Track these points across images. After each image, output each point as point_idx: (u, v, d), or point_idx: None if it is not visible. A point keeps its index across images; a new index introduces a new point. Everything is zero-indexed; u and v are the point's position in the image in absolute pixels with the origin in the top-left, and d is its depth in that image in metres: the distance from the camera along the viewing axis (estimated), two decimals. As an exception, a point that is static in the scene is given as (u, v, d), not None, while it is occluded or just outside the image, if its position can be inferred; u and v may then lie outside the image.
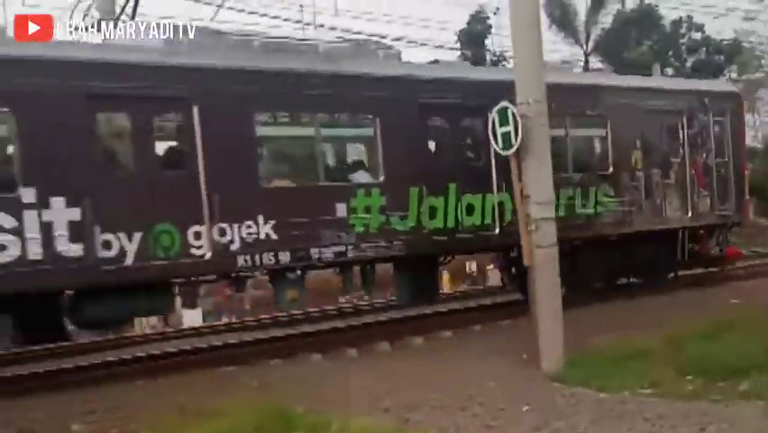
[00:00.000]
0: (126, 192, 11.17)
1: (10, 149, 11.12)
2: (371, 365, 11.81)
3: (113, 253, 11.03)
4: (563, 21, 38.25)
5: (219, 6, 21.75)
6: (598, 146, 17.10)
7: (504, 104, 11.04)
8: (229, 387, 10.31)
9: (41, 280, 10.49)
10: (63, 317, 11.89)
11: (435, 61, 16.80)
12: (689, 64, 39.06)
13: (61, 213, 10.65)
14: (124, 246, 11.11)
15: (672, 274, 18.35)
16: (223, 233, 11.90)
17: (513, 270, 16.68)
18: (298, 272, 13.13)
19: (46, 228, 10.53)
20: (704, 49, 39.87)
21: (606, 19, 39.24)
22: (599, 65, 37.14)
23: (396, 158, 13.61)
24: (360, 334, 14.66)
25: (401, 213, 13.62)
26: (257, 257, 12.23)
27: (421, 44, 29.88)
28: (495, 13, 35.16)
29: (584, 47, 38.75)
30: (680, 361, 10.04)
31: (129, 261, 11.15)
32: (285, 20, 23.47)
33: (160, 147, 12.31)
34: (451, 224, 14.16)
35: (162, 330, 17.38)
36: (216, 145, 11.84)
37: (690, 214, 17.82)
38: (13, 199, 10.39)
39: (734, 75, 39.51)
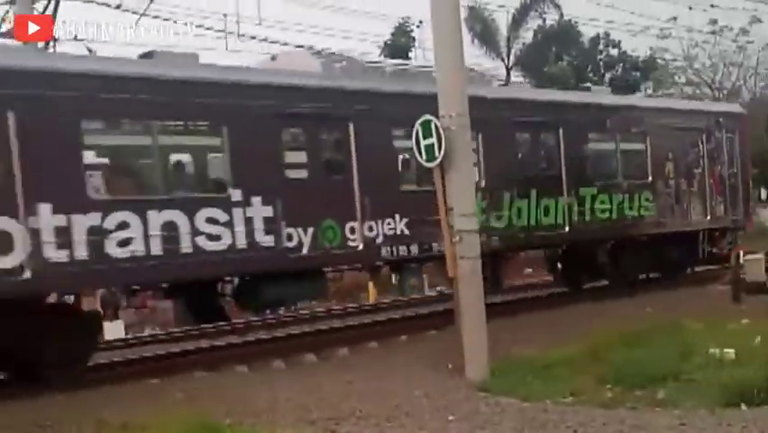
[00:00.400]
0: (303, 194, 13.33)
1: (223, 158, 13.11)
2: (298, 377, 11.81)
3: (293, 243, 13.33)
4: (485, 36, 38.84)
5: (141, 14, 21.51)
6: (640, 158, 19.48)
7: (427, 117, 11.16)
8: (154, 400, 10.20)
9: (245, 265, 12.89)
10: (221, 302, 14.10)
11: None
12: (606, 79, 40.04)
13: (259, 210, 12.92)
14: (301, 238, 13.41)
15: (689, 270, 20.92)
16: (371, 228, 14.27)
17: (559, 265, 20.04)
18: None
19: (248, 222, 12.78)
20: (621, 65, 40.95)
21: (527, 34, 40.02)
22: (521, 79, 37.78)
23: (493, 167, 15.97)
24: (286, 345, 14.68)
25: (497, 213, 16.04)
26: (395, 249, 14.64)
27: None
28: (418, 27, 35.53)
29: (506, 61, 39.40)
30: (600, 370, 10.30)
31: (305, 250, 13.46)
32: (207, 29, 23.21)
33: (326, 157, 14.47)
34: (533, 222, 16.72)
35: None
36: (366, 156, 14.22)
37: (709, 218, 20.61)
38: (225, 198, 12.61)
39: (649, 90, 40.63)
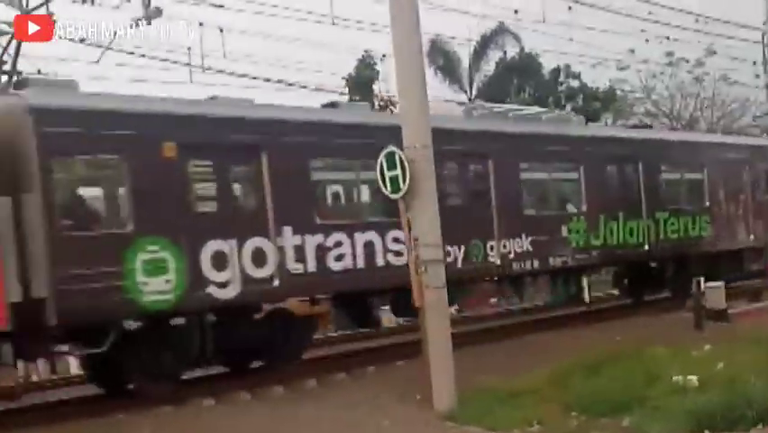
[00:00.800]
0: (457, 217, 15.21)
1: None
2: (266, 409, 11.78)
3: (451, 258, 15.19)
4: (447, 68, 39.23)
5: (106, 48, 21.47)
6: (699, 186, 22.41)
7: (391, 148, 11.28)
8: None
9: None
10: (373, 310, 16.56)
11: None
12: (567, 110, 40.54)
13: None
14: (456, 254, 15.84)
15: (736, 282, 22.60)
16: (505, 246, 16.91)
17: (626, 281, 22.69)
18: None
19: None
20: (581, 96, 41.49)
21: (488, 66, 40.46)
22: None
23: (591, 195, 18.95)
24: (252, 378, 14.57)
25: (595, 234, 18.79)
26: (522, 263, 17.29)
27: (315, 89, 30.13)
28: (382, 60, 35.76)
29: (468, 93, 39.80)
30: (565, 397, 10.39)
31: (459, 264, 15.87)
32: (174, 62, 23.17)
33: (472, 187, 17.37)
34: (621, 241, 19.45)
35: (50, 378, 16.82)
36: (501, 186, 17.06)
37: (752, 237, 23.58)
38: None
39: (609, 121, 41.20)
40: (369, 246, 14.76)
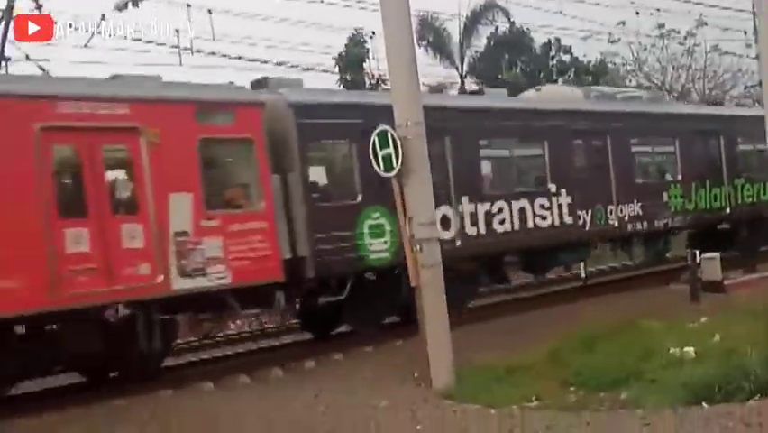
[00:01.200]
0: (585, 186, 18.78)
1: (544, 162, 18.53)
2: (264, 391, 11.81)
3: (581, 222, 18.60)
4: (437, 45, 39.03)
5: (93, 33, 21.30)
6: (754, 157, 24.05)
7: (383, 127, 11.22)
8: (121, 421, 10.14)
9: (557, 237, 18.29)
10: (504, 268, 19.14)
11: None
12: (559, 84, 40.43)
13: (565, 199, 18.32)
14: (585, 218, 18.73)
15: None
16: (621, 210, 19.61)
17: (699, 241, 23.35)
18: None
19: (559, 207, 18.19)
20: (573, 70, 41.38)
21: (479, 42, 40.29)
22: (475, 87, 38.04)
23: (685, 165, 21.54)
24: (252, 360, 14.63)
25: (688, 199, 21.50)
26: (634, 225, 20.03)
27: (306, 69, 30.00)
28: (371, 38, 35.59)
29: (459, 69, 39.64)
30: (563, 373, 10.42)
31: (587, 227, 18.79)
32: (159, 44, 22.96)
33: (595, 160, 19.77)
34: (707, 206, 22.12)
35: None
36: (617, 158, 19.78)
37: None
38: (547, 191, 18.06)
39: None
40: (522, 212, 17.56)
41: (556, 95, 21.38)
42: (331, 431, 9.06)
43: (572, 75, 40.76)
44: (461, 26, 38.92)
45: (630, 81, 43.29)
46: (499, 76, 37.74)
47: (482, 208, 16.86)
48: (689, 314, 13.54)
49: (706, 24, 39.03)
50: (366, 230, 14.87)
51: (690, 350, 10.21)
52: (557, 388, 9.95)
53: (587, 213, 18.79)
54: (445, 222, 15.83)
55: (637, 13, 35.24)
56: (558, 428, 8.25)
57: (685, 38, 41.30)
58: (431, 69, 35.86)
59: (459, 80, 38.98)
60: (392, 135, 11.01)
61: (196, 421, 9.80)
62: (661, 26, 40.21)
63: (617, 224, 19.57)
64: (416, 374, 11.39)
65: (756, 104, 38.83)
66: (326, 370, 13.33)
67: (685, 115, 23.28)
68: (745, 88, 43.03)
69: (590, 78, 40.65)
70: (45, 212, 11.38)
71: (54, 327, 12.36)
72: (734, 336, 10.39)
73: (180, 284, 12.37)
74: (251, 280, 13.10)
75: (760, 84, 20.58)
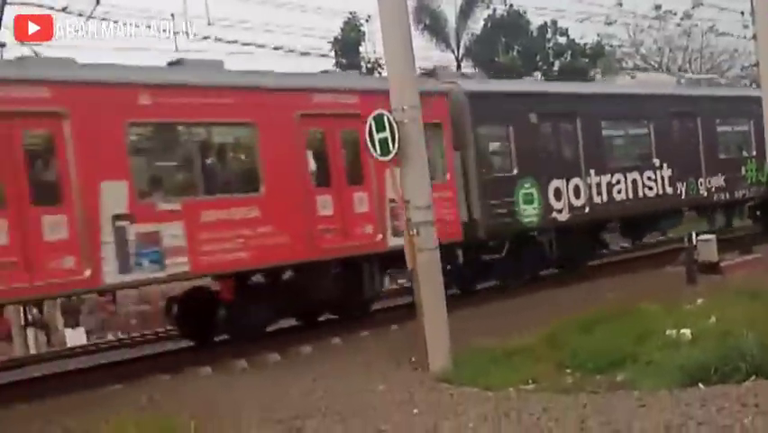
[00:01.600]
0: (680, 161, 21.73)
1: (649, 139, 21.72)
2: (262, 376, 11.83)
3: (679, 191, 21.75)
4: (434, 28, 38.91)
5: (89, 17, 21.24)
6: None
7: (379, 111, 11.19)
8: (118, 405, 10.14)
9: (660, 204, 21.42)
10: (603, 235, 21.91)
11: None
12: (555, 67, 40.36)
13: (666, 171, 21.40)
14: (681, 188, 21.87)
15: None
16: (708, 182, 22.51)
17: (758, 212, 26.15)
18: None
19: (662, 179, 21.41)
20: (569, 52, 41.28)
21: (476, 25, 40.15)
22: (471, 70, 37.94)
23: (757, 142, 22.72)
24: (248, 345, 14.61)
25: (760, 173, 23.94)
26: (719, 195, 22.99)
27: (302, 53, 29.91)
28: (367, 21, 35.46)
29: (455, 53, 39.54)
30: (559, 356, 10.44)
31: (683, 196, 22.05)
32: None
33: (688, 139, 22.37)
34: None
35: (47, 350, 16.88)
36: (705, 136, 22.63)
37: None
38: (653, 165, 21.17)
39: (598, 77, 41.07)
40: (634, 183, 20.49)
41: (651, 81, 25.57)
42: (329, 415, 9.06)
43: (569, 57, 40.62)
44: (458, 9, 38.83)
45: (627, 63, 43.21)
46: (496, 59, 37.62)
47: (605, 180, 19.84)
48: (685, 296, 13.55)
49: (702, 5, 38.96)
50: (520, 198, 17.92)
51: (686, 332, 10.23)
52: (554, 370, 9.98)
53: (682, 184, 21.79)
54: (577, 191, 19.19)
55: (634, -6, 35.18)
56: (555, 410, 8.24)
57: (682, 19, 41.29)
58: (427, 52, 35.76)
59: (455, 63, 38.86)
60: (388, 119, 10.98)
61: (193, 405, 9.79)
62: (657, 7, 40.17)
63: (705, 194, 22.64)
64: (412, 358, 11.40)
65: (754, 85, 39.04)
66: (323, 355, 13.34)
67: (757, 98, 24.33)
68: (741, 69, 43.03)
69: (587, 61, 40.63)
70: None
71: (303, 276, 15.05)
72: (730, 318, 10.41)
73: (393, 242, 14.66)
74: (441, 240, 13.75)
75: (757, 64, 20.56)
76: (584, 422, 7.76)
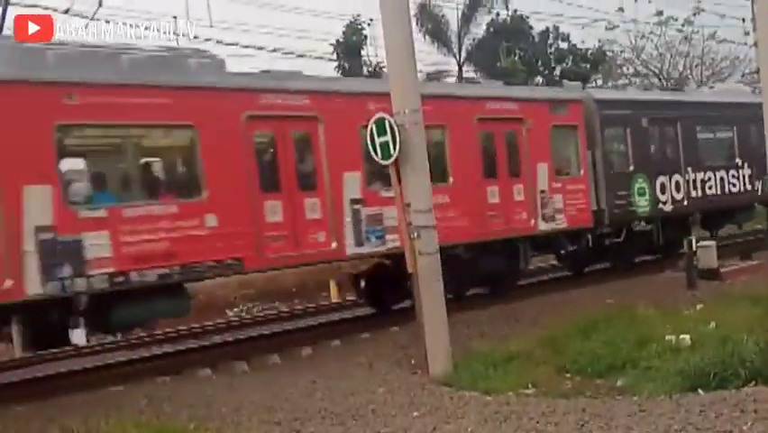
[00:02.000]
0: (757, 160, 22.19)
1: (733, 141, 24.02)
2: (261, 378, 11.83)
3: (756, 189, 24.26)
4: (436, 32, 38.87)
5: (90, 19, 21.25)
6: None
7: (381, 115, 11.21)
8: (118, 407, 10.14)
9: (735, 201, 23.62)
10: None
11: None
12: (557, 72, 40.36)
13: (745, 171, 23.89)
14: (758, 186, 24.03)
15: None
16: (748, 179, 23.92)
17: None
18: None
19: (734, 178, 23.48)
20: (571, 57, 41.26)
21: (477, 30, 40.13)
22: (473, 74, 37.94)
23: None
24: (248, 347, 14.64)
25: None
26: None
27: (298, 56, 29.91)
28: (369, 24, 35.46)
29: (457, 57, 39.52)
30: (559, 360, 10.46)
31: (759, 193, 24.13)
32: (163, 32, 22.81)
33: (762, 140, 20.23)
34: None
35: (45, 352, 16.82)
36: (743, 139, 23.62)
37: None
38: (737, 164, 23.74)
39: (599, 82, 41.09)
40: (722, 180, 22.88)
41: (731, 91, 27.54)
42: (328, 417, 9.07)
43: (570, 62, 40.63)
44: (460, 13, 38.81)
45: (628, 69, 43.23)
46: (498, 63, 37.61)
47: (699, 177, 22.22)
48: (685, 301, 13.58)
49: (703, 11, 38.99)
50: (635, 191, 20.31)
51: (685, 337, 10.26)
52: (553, 375, 10.01)
53: (758, 182, 23.96)
54: (677, 186, 21.57)
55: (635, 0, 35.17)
56: (554, 414, 8.26)
57: (683, 25, 41.28)
58: (428, 56, 35.76)
59: (456, 68, 38.86)
60: (390, 123, 10.98)
61: (193, 407, 9.80)
62: (659, 13, 40.16)
63: (759, 192, 24.61)
64: (413, 361, 11.41)
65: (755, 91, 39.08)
66: (323, 357, 13.35)
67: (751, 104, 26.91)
68: (742, 76, 43.01)
69: (588, 66, 40.64)
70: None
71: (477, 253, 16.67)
72: (729, 324, 10.45)
73: (542, 226, 17.80)
74: (576, 226, 18.68)
75: (758, 71, 20.64)
76: (583, 427, 7.78)
